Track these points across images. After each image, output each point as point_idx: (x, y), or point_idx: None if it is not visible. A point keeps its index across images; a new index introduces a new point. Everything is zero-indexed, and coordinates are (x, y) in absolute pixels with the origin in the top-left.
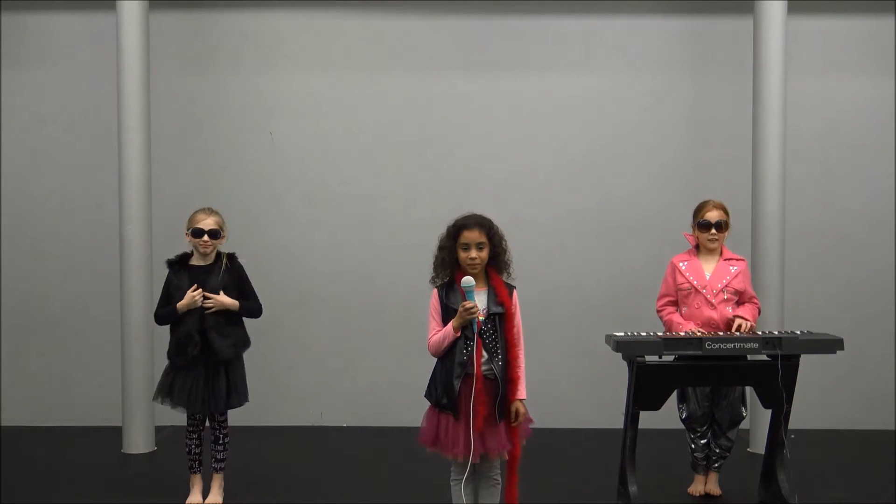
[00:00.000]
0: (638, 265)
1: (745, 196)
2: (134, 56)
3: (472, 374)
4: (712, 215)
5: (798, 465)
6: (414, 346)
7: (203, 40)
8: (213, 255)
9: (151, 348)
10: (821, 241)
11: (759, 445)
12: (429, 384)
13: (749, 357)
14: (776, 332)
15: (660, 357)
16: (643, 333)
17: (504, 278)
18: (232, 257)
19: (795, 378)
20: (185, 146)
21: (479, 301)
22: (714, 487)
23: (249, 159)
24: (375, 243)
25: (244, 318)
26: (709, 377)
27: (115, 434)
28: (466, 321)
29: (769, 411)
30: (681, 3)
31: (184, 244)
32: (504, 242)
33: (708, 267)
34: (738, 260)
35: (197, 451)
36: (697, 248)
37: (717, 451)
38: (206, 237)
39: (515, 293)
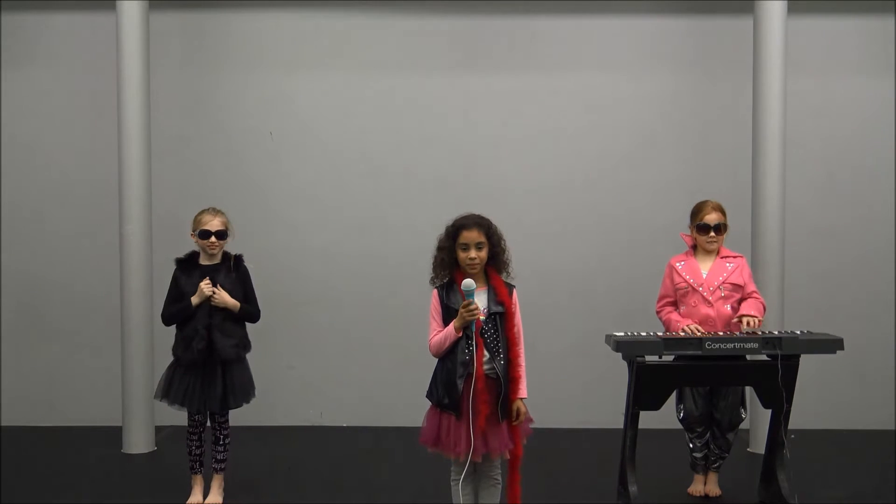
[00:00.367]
0: (638, 265)
1: (745, 196)
2: (134, 56)
3: (472, 374)
4: (711, 218)
5: (798, 465)
6: (414, 347)
7: (203, 40)
8: (220, 255)
9: (151, 348)
10: (821, 240)
11: (759, 445)
12: (430, 384)
13: (749, 357)
14: (776, 332)
15: (660, 357)
16: (643, 333)
17: (503, 278)
18: (238, 259)
19: (795, 378)
20: (185, 146)
21: (480, 301)
22: (714, 487)
23: (249, 159)
24: (376, 243)
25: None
26: (709, 377)
27: (115, 434)
28: (468, 321)
29: (769, 411)
30: (681, 3)
31: (184, 244)
32: (503, 242)
33: (705, 266)
34: (735, 257)
35: (198, 451)
36: (695, 248)
37: (717, 451)
38: (213, 238)
39: (515, 292)
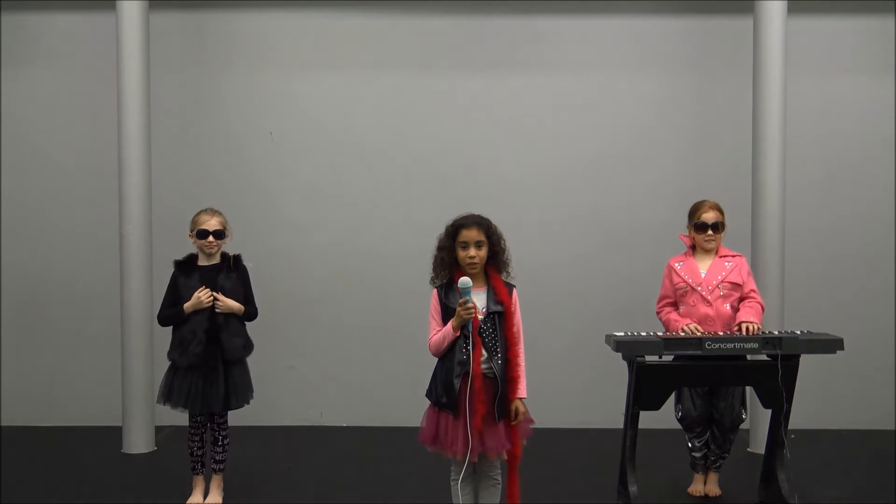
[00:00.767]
0: (638, 265)
1: (745, 196)
2: (134, 56)
3: (470, 373)
4: (709, 217)
5: (798, 465)
6: (414, 346)
7: (203, 40)
8: (219, 255)
9: (151, 348)
10: (821, 240)
11: (759, 445)
12: (430, 383)
13: (749, 357)
14: (776, 332)
15: (660, 357)
16: (643, 333)
17: (503, 277)
18: (237, 259)
19: (795, 378)
20: (185, 146)
21: (479, 300)
22: (714, 487)
23: (249, 159)
24: (376, 243)
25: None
26: (709, 377)
27: (115, 434)
28: (465, 320)
29: (769, 411)
30: (681, 3)
31: (184, 244)
32: (503, 241)
33: (703, 265)
34: (733, 256)
35: (199, 452)
36: (693, 249)
37: (717, 451)
38: (211, 238)
39: (515, 292)
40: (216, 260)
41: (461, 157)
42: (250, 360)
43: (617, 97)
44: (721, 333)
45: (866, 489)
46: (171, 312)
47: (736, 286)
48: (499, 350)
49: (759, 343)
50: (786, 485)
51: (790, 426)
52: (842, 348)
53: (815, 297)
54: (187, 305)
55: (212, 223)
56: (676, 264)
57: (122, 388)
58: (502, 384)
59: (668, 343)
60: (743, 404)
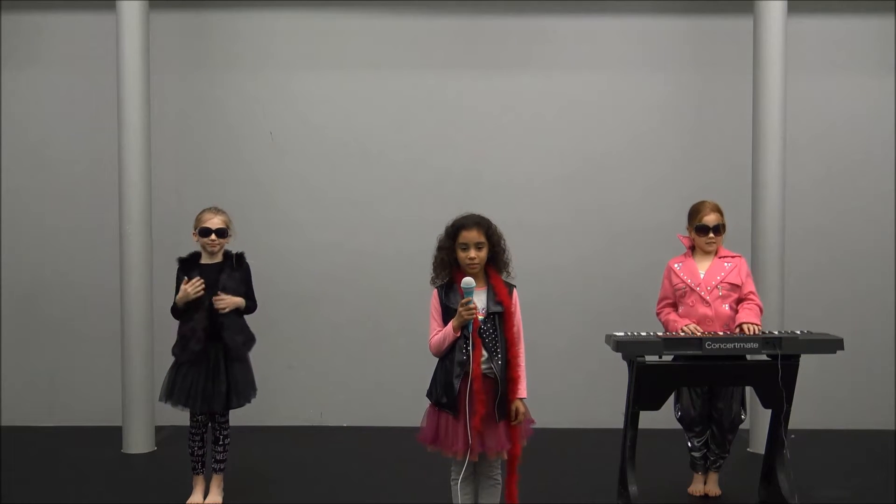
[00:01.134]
0: (638, 265)
1: (745, 196)
2: (134, 56)
3: (470, 373)
4: (710, 219)
5: (798, 465)
6: (414, 346)
7: (203, 40)
8: (222, 253)
9: (151, 348)
10: (821, 240)
11: (759, 445)
12: (430, 383)
13: (749, 357)
14: (776, 332)
15: (660, 357)
16: (643, 333)
17: (504, 277)
18: (240, 256)
19: (795, 378)
20: (185, 146)
21: (479, 300)
22: (714, 487)
23: (249, 159)
24: (376, 243)
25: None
26: (709, 377)
27: (115, 434)
28: (465, 321)
29: (769, 411)
30: (681, 3)
31: (184, 243)
32: (503, 241)
33: (702, 266)
34: (733, 257)
35: (199, 452)
36: (692, 249)
37: (717, 451)
38: (213, 236)
39: (515, 292)
40: (219, 258)
41: (461, 157)
42: (251, 359)
43: (617, 97)
44: (721, 333)
45: (866, 489)
46: (172, 306)
47: (735, 287)
48: (499, 350)
49: (759, 343)
50: (786, 485)
51: (790, 426)
52: (842, 348)
53: (815, 297)
54: (178, 298)
55: (214, 221)
56: (676, 265)
57: (122, 388)
58: (502, 384)
59: (668, 343)
60: (743, 404)
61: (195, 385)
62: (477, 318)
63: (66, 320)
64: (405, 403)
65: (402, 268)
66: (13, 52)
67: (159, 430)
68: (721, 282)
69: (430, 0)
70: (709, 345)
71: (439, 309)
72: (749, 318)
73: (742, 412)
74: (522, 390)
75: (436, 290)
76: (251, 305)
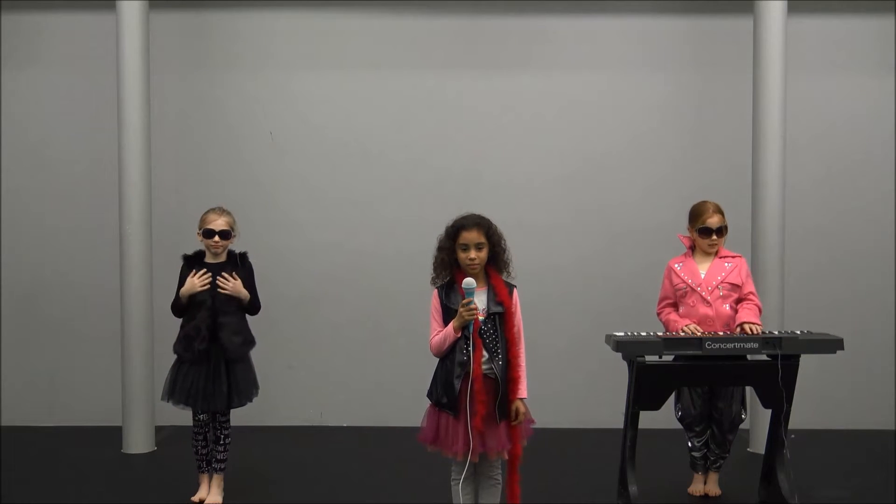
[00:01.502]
0: (639, 265)
1: (745, 196)
2: (134, 56)
3: (470, 373)
4: (713, 221)
5: (798, 465)
6: (414, 346)
7: (203, 40)
8: (225, 254)
9: (151, 348)
10: (821, 240)
11: (759, 445)
12: (431, 384)
13: (749, 357)
14: (776, 332)
15: (660, 357)
16: (643, 333)
17: (504, 277)
18: (244, 256)
19: (795, 378)
20: (185, 146)
21: (479, 300)
22: (714, 487)
23: (249, 159)
24: (376, 243)
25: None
26: (709, 377)
27: (115, 434)
28: (466, 321)
29: (769, 411)
30: (681, 3)
31: (184, 244)
32: (503, 242)
33: (703, 266)
34: (733, 257)
35: (204, 451)
36: (693, 249)
37: (717, 451)
38: (216, 238)
39: (516, 292)
40: (222, 258)
41: (461, 157)
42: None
43: (617, 97)
44: (721, 333)
45: (866, 489)
46: (173, 301)
47: (735, 287)
48: (499, 350)
49: (759, 343)
50: (786, 485)
51: (790, 426)
52: (842, 348)
53: (815, 297)
54: (182, 290)
55: (219, 223)
56: (676, 265)
57: (122, 388)
58: (503, 385)
59: (668, 343)
60: (743, 404)
61: (196, 384)
62: (477, 318)
63: (66, 320)
64: (405, 403)
65: (402, 268)
66: (13, 52)
67: (159, 430)
68: (722, 282)
69: (430, 0)
70: (709, 345)
71: (440, 309)
72: (749, 318)
73: (742, 412)
74: (523, 390)
75: (436, 290)
76: (256, 304)
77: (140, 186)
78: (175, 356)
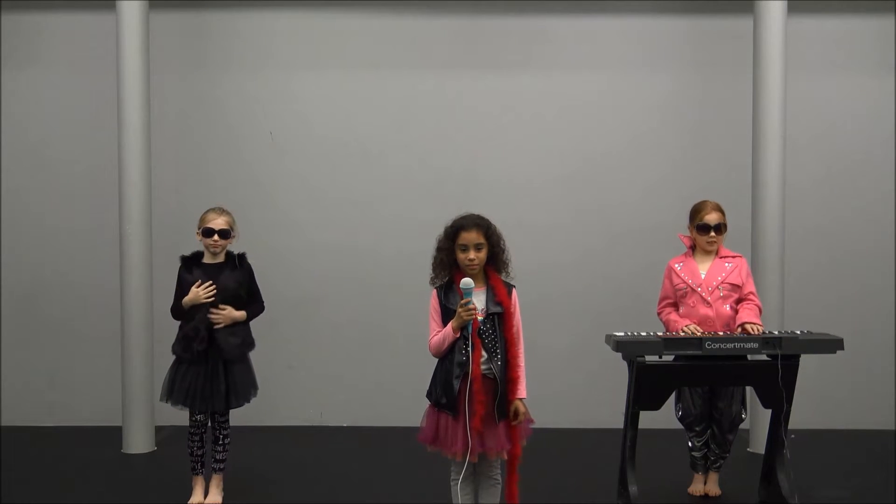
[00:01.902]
0: (639, 265)
1: (745, 196)
2: (134, 56)
3: (469, 374)
4: (711, 218)
5: (798, 465)
6: (414, 346)
7: (203, 40)
8: (224, 253)
9: (151, 348)
10: (821, 240)
11: (759, 445)
12: (430, 384)
13: (749, 357)
14: (776, 332)
15: (660, 357)
16: (643, 333)
17: (503, 277)
18: (242, 257)
19: (795, 378)
20: (185, 146)
21: (478, 301)
22: (714, 487)
23: (249, 159)
24: (375, 243)
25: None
26: (709, 377)
27: (115, 434)
28: (465, 322)
29: (769, 411)
30: (681, 3)
31: (183, 244)
32: (502, 242)
33: (703, 266)
34: (733, 257)
35: (199, 452)
36: (693, 249)
37: (717, 451)
38: (215, 237)
39: (515, 292)
40: (221, 258)
41: (461, 157)
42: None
43: (616, 97)
44: (721, 333)
45: (866, 489)
46: (175, 307)
47: (736, 287)
48: (499, 351)
49: (759, 343)
50: (786, 485)
51: (790, 426)
52: (842, 348)
53: (815, 297)
54: (185, 300)
55: (218, 222)
56: (676, 265)
57: (122, 388)
58: (502, 385)
59: (668, 343)
60: (743, 404)
61: (195, 385)
62: (476, 318)
63: (66, 320)
64: (405, 403)
65: (402, 268)
66: (13, 52)
67: (159, 430)
68: (722, 282)
69: (430, 0)
70: (709, 345)
71: (438, 310)
72: (750, 319)
73: (742, 412)
74: (522, 390)
75: (435, 290)
76: (257, 309)
77: (140, 186)
78: (174, 357)
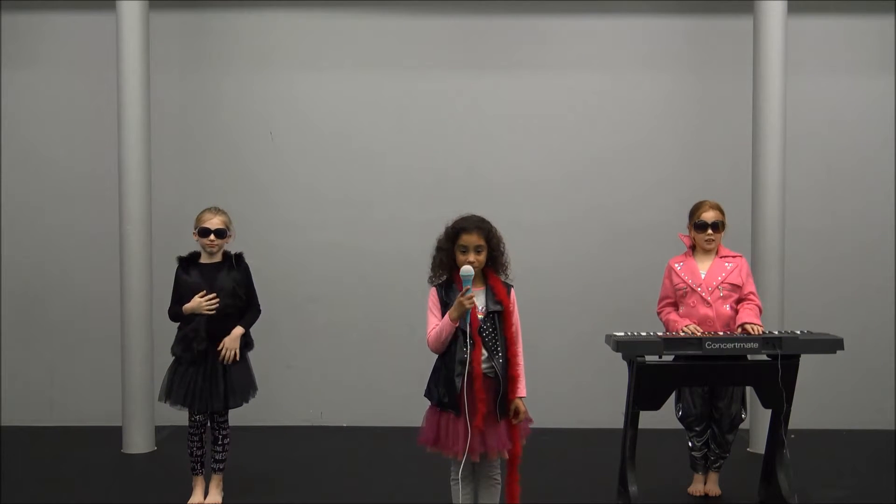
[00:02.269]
0: (639, 265)
1: (745, 196)
2: (134, 56)
3: (470, 373)
4: (708, 216)
5: (798, 465)
6: (413, 346)
7: (203, 40)
8: (221, 253)
9: (151, 348)
10: (821, 240)
11: (759, 445)
12: (428, 383)
13: (749, 357)
14: (776, 332)
15: (660, 357)
16: (643, 333)
17: (502, 279)
18: (239, 257)
19: (795, 378)
20: (185, 146)
21: (478, 300)
22: (714, 487)
23: (249, 159)
24: (375, 243)
25: None
26: (709, 377)
27: (115, 434)
28: (465, 310)
29: (769, 411)
30: (681, 3)
31: (183, 244)
32: (502, 245)
33: (703, 266)
34: (734, 257)
35: (199, 452)
36: (693, 249)
37: (717, 451)
38: (212, 236)
39: (513, 292)
40: (218, 258)
41: (461, 157)
42: (251, 360)
43: (616, 97)
44: (721, 333)
45: (866, 489)
46: (172, 311)
47: (736, 287)
48: (499, 349)
49: (759, 343)
50: (786, 485)
51: (790, 426)
52: (842, 348)
53: (815, 297)
54: (186, 308)
55: (214, 221)
56: (676, 265)
57: (122, 388)
58: (504, 383)
59: (668, 343)
60: (743, 404)
61: (194, 385)
62: (476, 316)
63: (66, 320)
64: (405, 403)
65: (401, 268)
66: (13, 52)
67: (159, 430)
68: (722, 282)
69: (430, 0)
70: (709, 345)
71: (438, 305)
72: (750, 319)
73: (742, 412)
74: (522, 389)
75: (434, 287)
76: (254, 316)
77: (140, 186)
78: (173, 357)
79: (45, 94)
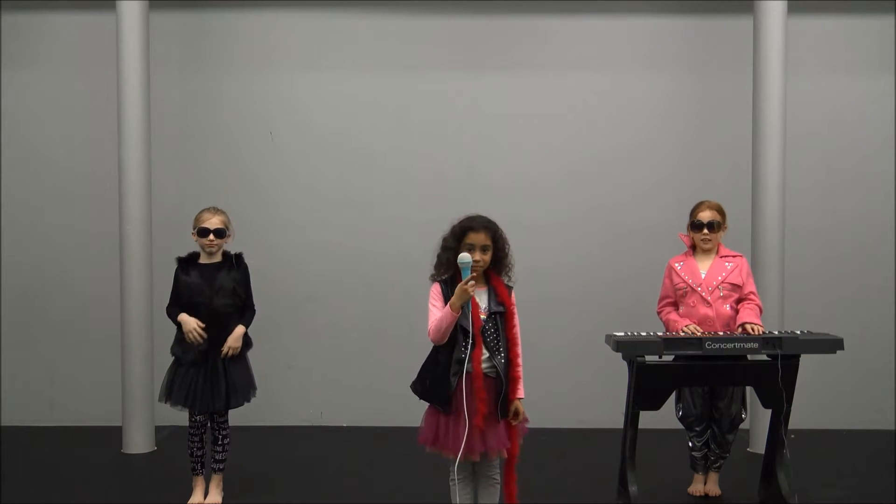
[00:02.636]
0: (639, 265)
1: (745, 196)
2: (134, 56)
3: (471, 372)
4: (704, 215)
5: (798, 465)
6: (413, 346)
7: (203, 40)
8: (220, 253)
9: (151, 349)
10: (821, 240)
11: (759, 445)
12: (417, 378)
13: (749, 357)
14: (776, 332)
15: (660, 357)
16: (643, 333)
17: (504, 280)
18: (240, 257)
19: (795, 378)
20: (185, 146)
21: (481, 300)
22: (714, 487)
23: (249, 159)
24: (375, 243)
25: None
26: (709, 377)
27: (115, 434)
28: (467, 298)
29: (769, 411)
30: (681, 2)
31: (183, 244)
32: (507, 247)
33: (703, 266)
34: (734, 256)
35: (199, 453)
36: (694, 249)
37: (717, 451)
38: (211, 236)
39: (514, 293)
40: (217, 258)
41: (461, 157)
42: (251, 360)
43: (616, 97)
44: (721, 333)
45: (866, 489)
46: (170, 310)
47: (736, 287)
48: (501, 349)
49: (759, 343)
50: (786, 485)
51: (790, 426)
52: (842, 348)
53: (815, 297)
54: (181, 319)
55: (213, 221)
56: (676, 264)
57: (122, 388)
58: (506, 383)
59: (668, 343)
60: (743, 404)
61: (194, 385)
62: (479, 316)
63: (66, 320)
64: (405, 403)
65: (401, 268)
66: (13, 52)
67: (159, 430)
68: (722, 282)
69: (430, 0)
70: (709, 345)
71: (441, 298)
72: (750, 319)
73: (742, 412)
74: (521, 390)
75: (437, 282)
76: (250, 317)
77: (140, 186)
78: (173, 357)
79: (45, 94)
